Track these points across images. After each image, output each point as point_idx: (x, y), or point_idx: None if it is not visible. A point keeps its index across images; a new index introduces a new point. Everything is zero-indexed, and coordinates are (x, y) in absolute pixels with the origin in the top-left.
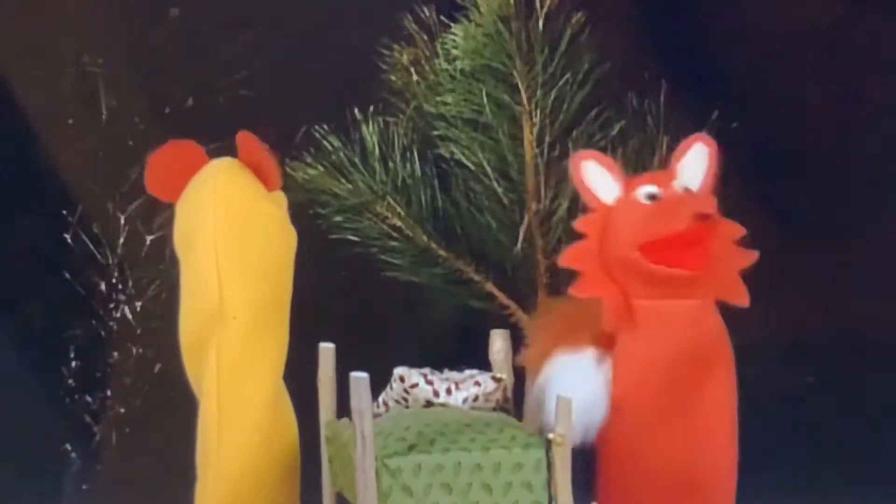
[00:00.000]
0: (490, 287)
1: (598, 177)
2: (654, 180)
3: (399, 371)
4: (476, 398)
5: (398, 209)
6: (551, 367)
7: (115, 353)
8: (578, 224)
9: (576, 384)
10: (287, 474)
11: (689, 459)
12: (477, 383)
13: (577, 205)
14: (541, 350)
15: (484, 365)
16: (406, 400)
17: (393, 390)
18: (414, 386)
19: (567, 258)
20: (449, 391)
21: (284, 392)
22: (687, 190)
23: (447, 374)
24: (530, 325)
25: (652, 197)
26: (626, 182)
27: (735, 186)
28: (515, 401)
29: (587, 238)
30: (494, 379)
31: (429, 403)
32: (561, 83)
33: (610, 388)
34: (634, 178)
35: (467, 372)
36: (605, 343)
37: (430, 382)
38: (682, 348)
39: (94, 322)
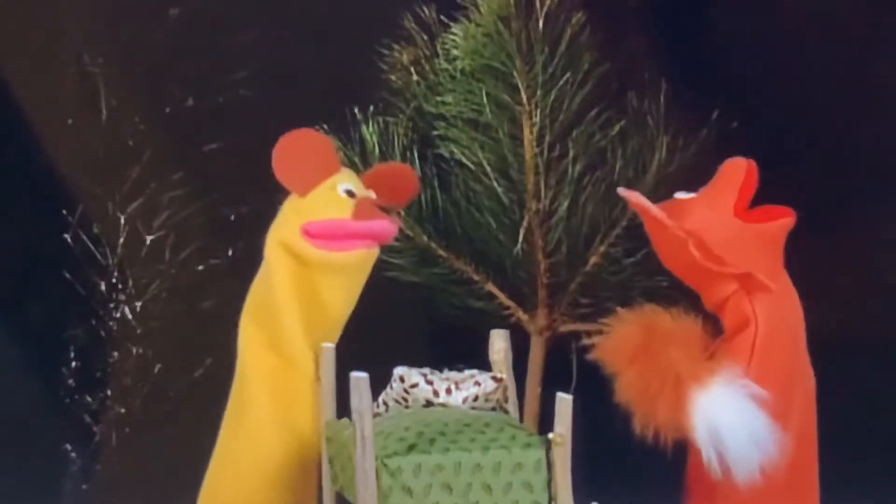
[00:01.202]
0: (490, 287)
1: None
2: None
3: (399, 371)
4: (476, 398)
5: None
6: (707, 415)
7: (115, 353)
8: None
9: (743, 424)
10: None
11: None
12: (477, 383)
13: (578, 205)
14: (658, 382)
15: (484, 365)
16: (406, 400)
17: (393, 390)
18: (414, 386)
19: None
20: (449, 391)
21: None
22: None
23: (447, 373)
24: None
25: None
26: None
27: None
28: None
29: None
30: (495, 379)
31: (429, 403)
32: (561, 83)
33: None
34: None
35: (467, 372)
36: (724, 351)
37: (430, 382)
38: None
39: (94, 322)
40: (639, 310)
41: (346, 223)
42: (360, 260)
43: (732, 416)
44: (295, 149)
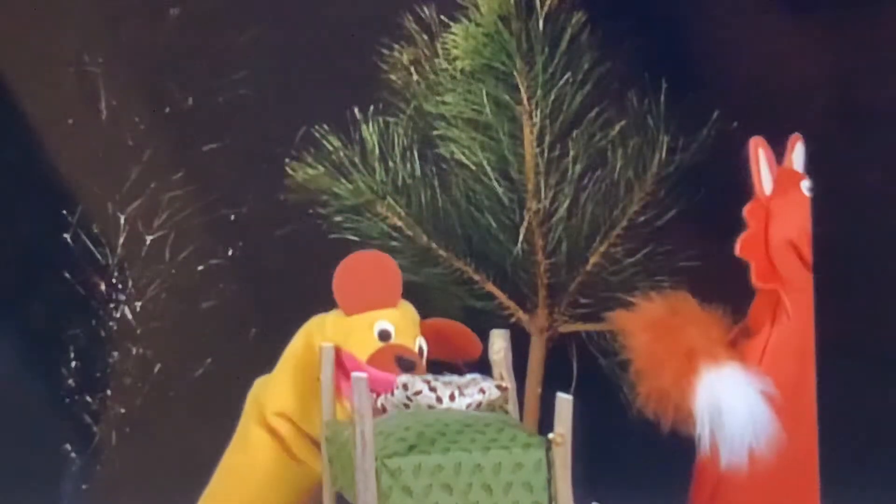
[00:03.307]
0: (490, 287)
1: (764, 166)
2: (791, 174)
3: (402, 379)
4: (480, 405)
5: (398, 209)
6: (712, 390)
7: (115, 353)
8: (745, 211)
9: (745, 407)
10: None
11: (803, 450)
12: (482, 390)
13: (578, 205)
14: (673, 362)
15: (484, 365)
16: (408, 406)
17: (395, 396)
18: (417, 393)
19: (741, 248)
20: (452, 397)
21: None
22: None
23: (449, 377)
24: (630, 320)
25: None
26: (778, 173)
27: (735, 186)
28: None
29: (752, 227)
30: (500, 388)
31: (432, 409)
32: (561, 83)
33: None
34: (782, 170)
35: (469, 376)
36: (741, 345)
37: (433, 389)
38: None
39: (94, 322)
40: (669, 293)
41: (359, 364)
42: None
43: (736, 398)
44: (362, 269)
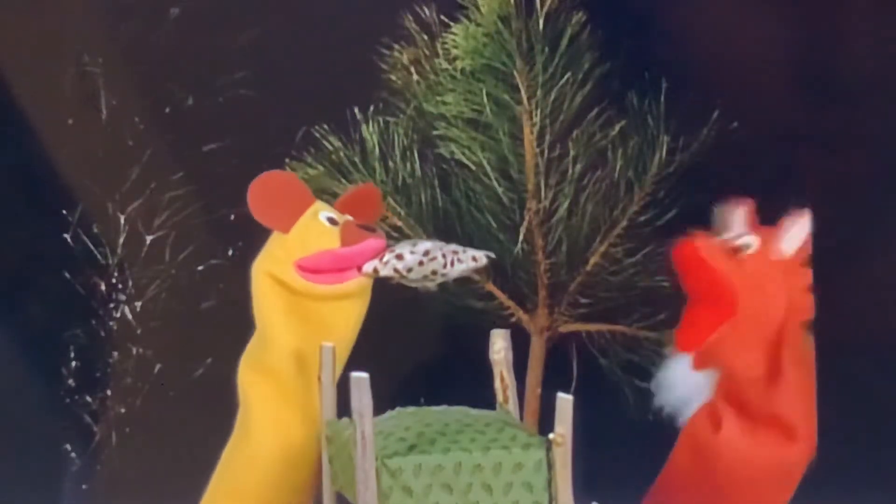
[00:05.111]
0: (490, 287)
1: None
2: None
3: (425, 245)
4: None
5: (398, 209)
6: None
7: (115, 353)
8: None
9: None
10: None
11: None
12: (474, 259)
13: (578, 205)
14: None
15: (484, 365)
16: (422, 265)
17: (406, 260)
18: (433, 259)
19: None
20: (452, 263)
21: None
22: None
23: (454, 246)
24: None
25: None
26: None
27: (734, 187)
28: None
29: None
30: (488, 257)
31: (434, 273)
32: (561, 83)
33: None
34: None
35: (450, 245)
36: None
37: (444, 255)
38: None
39: (94, 322)
40: None
41: (337, 253)
42: (361, 287)
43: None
44: (267, 189)
